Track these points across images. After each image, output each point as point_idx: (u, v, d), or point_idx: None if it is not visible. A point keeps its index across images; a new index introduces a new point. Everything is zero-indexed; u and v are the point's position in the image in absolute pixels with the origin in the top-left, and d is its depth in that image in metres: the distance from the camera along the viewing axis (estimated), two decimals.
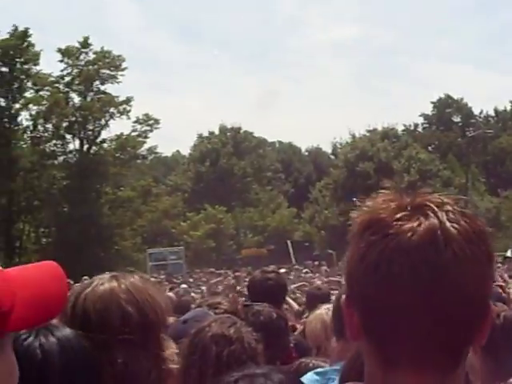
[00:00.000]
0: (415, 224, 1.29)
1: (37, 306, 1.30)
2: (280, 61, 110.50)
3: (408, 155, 53.44)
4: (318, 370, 2.75)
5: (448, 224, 1.29)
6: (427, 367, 1.31)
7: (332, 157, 68.97)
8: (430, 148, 66.17)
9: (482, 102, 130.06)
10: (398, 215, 1.31)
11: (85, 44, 46.71)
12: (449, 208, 1.32)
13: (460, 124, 73.12)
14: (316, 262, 28.01)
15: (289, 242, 40.60)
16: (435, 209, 1.31)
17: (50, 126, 46.44)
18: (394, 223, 1.30)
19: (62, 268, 1.40)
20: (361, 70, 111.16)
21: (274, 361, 3.78)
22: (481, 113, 74.80)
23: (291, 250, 38.01)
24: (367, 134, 57.44)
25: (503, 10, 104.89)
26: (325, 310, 4.41)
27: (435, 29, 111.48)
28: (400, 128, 66.28)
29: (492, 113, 75.73)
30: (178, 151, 75.33)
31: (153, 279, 10.03)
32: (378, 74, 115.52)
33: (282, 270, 24.44)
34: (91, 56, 46.69)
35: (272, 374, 1.83)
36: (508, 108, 75.01)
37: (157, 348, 2.21)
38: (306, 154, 77.89)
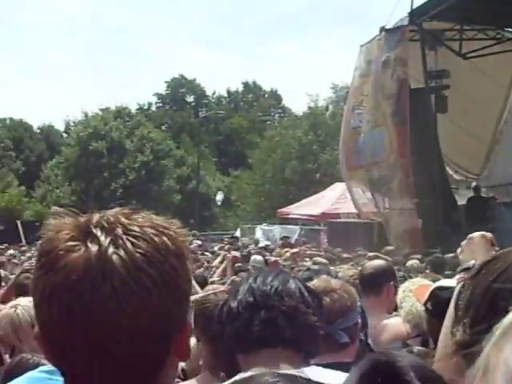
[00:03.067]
0: (76, 256, 1.18)
1: None
2: (10, 35, 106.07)
3: (140, 134, 53.86)
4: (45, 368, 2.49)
5: (110, 252, 1.18)
6: None
7: (65, 135, 67.77)
8: (163, 127, 67.14)
9: (215, 83, 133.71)
10: (67, 245, 1.20)
11: None
12: (118, 231, 1.21)
13: (193, 104, 74.93)
14: None
15: (18, 221, 39.59)
16: (99, 235, 1.20)
17: None
18: (61, 255, 1.19)
19: None
20: (93, 48, 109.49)
21: None
22: (213, 93, 77.13)
23: (21, 230, 37.14)
24: (100, 113, 57.11)
25: None
26: (12, 309, 4.23)
27: (165, 8, 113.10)
28: (134, 107, 66.63)
29: (224, 93, 78.30)
30: None
31: None
32: (111, 52, 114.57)
33: (11, 252, 23.95)
34: None
35: None
36: (240, 89, 77.84)
37: None
38: (38, 131, 75.82)
